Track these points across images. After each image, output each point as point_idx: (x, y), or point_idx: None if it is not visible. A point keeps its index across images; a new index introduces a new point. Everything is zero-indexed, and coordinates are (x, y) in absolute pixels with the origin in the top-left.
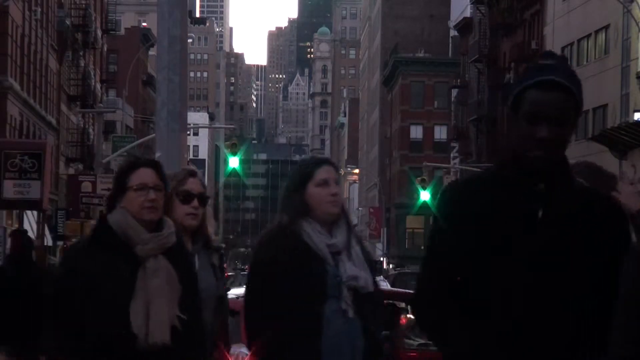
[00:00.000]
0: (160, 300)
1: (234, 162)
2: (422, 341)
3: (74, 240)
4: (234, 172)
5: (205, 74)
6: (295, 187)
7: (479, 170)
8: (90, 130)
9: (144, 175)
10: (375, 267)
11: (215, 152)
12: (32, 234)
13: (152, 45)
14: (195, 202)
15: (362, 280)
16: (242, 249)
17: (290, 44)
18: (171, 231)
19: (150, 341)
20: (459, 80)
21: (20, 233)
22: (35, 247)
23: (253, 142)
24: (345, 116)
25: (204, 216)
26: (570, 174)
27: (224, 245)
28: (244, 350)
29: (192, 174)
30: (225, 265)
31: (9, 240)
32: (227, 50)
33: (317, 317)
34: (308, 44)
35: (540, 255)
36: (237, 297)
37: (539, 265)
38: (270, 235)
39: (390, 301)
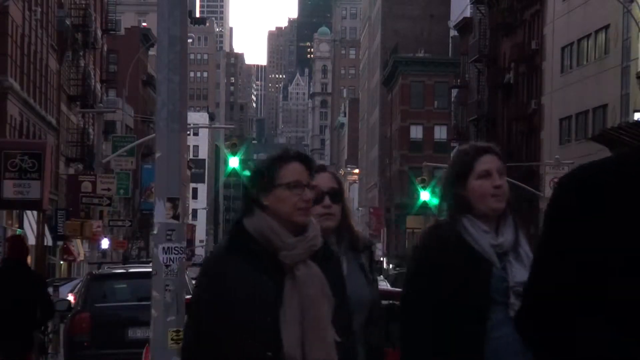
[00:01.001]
0: (318, 313)
1: (234, 162)
2: None
3: (72, 240)
4: (234, 172)
5: (205, 74)
6: (454, 180)
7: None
8: (90, 130)
9: (297, 171)
10: None
11: (215, 152)
12: (32, 234)
13: (152, 45)
14: (327, 201)
15: None
16: None
17: (290, 44)
18: (317, 232)
19: None
20: (459, 80)
21: (17, 238)
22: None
23: (253, 142)
24: (345, 116)
25: (345, 213)
26: None
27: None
28: None
29: (321, 168)
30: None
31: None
32: (227, 50)
33: (482, 325)
34: (308, 44)
35: None
36: None
37: None
38: (430, 235)
39: (391, 301)
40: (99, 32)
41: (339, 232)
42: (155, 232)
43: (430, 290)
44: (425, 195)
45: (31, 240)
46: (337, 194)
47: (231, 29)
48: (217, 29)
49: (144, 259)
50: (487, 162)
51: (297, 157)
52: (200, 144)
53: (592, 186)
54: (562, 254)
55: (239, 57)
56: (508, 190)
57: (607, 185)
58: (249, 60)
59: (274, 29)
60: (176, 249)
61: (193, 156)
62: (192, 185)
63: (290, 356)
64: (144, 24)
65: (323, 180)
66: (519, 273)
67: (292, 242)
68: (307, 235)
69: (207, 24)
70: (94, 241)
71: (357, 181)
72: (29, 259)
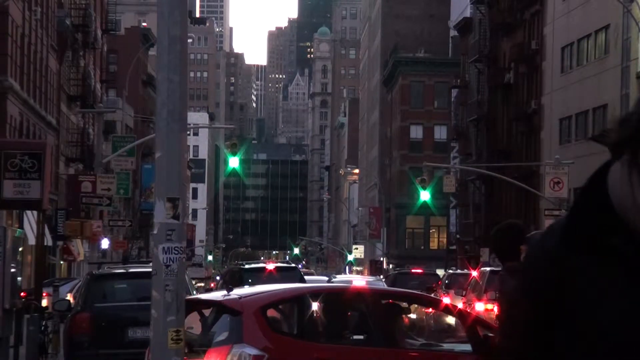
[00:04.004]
0: None
1: (234, 162)
2: (424, 341)
3: (72, 240)
4: (234, 172)
5: (205, 74)
6: None
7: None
8: (90, 130)
9: None
10: None
11: (215, 152)
12: (32, 234)
13: (152, 45)
14: None
15: None
16: (242, 249)
17: (290, 44)
18: None
19: None
20: (459, 80)
21: None
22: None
23: (253, 142)
24: (345, 116)
25: None
26: None
27: None
28: (247, 350)
29: None
30: None
31: (9, 241)
32: (227, 50)
33: None
34: (308, 44)
35: None
36: (239, 297)
37: None
38: None
39: (391, 301)
40: (99, 32)
41: None
42: (155, 232)
43: None
44: (425, 195)
45: (31, 240)
46: None
47: (231, 29)
48: (217, 29)
49: (144, 259)
50: None
51: None
52: (200, 144)
53: None
54: None
55: (239, 57)
56: None
57: None
58: (249, 60)
59: (274, 29)
60: (176, 249)
61: (193, 156)
62: (192, 185)
63: None
64: (144, 24)
65: None
66: None
67: None
68: None
69: (207, 24)
70: (94, 241)
71: (357, 181)
72: (29, 259)
